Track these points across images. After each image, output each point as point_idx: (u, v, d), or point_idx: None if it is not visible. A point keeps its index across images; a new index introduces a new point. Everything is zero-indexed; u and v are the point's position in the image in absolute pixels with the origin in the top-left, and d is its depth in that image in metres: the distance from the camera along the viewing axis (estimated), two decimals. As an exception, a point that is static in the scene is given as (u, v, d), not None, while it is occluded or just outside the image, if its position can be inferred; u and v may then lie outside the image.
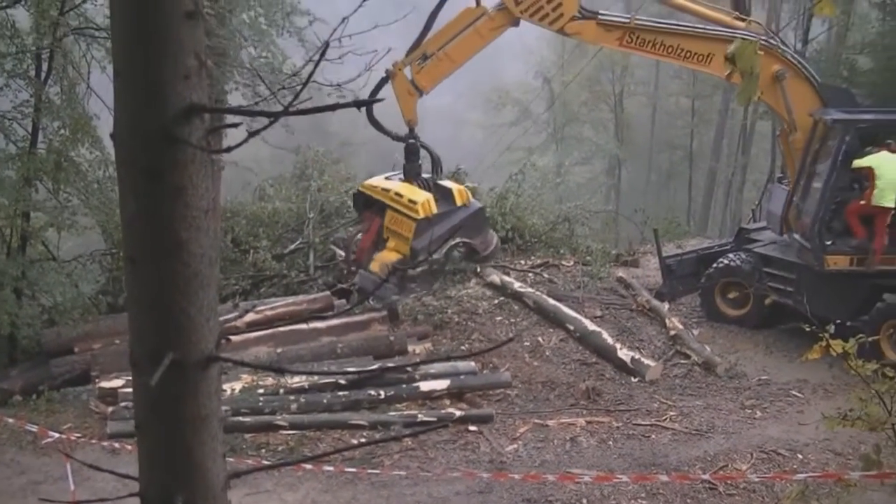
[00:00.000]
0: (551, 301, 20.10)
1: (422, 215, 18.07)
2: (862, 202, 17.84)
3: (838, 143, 18.02)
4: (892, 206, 17.59)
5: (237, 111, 3.24)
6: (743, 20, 19.19)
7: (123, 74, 2.82)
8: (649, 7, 21.92)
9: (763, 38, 18.67)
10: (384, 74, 18.83)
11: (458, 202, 18.91)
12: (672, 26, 19.13)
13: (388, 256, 18.35)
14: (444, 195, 18.90)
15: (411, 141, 19.17)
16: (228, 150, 3.07)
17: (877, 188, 17.50)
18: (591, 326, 19.06)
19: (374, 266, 18.31)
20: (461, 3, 18.91)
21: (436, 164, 19.61)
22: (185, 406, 3.07)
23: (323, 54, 2.68)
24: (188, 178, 2.84)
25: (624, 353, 18.23)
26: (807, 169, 19.08)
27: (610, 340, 18.62)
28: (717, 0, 20.18)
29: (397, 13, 8.58)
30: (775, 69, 18.64)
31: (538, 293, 20.50)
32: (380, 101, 2.71)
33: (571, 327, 19.10)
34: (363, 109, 18.33)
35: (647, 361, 18.08)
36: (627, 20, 19.02)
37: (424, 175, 19.44)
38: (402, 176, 19.36)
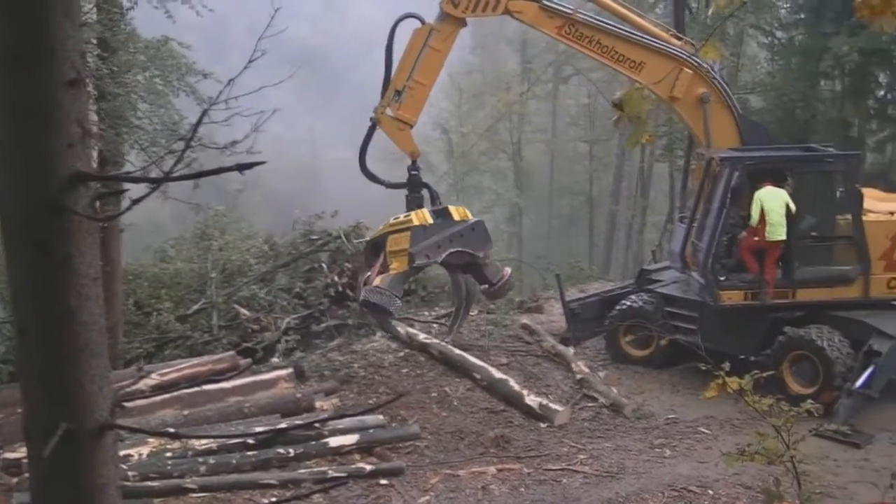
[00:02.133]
0: (457, 351, 20.07)
1: (416, 223, 17.86)
2: (756, 238, 18.16)
3: (727, 181, 18.38)
4: (784, 238, 17.94)
5: (121, 178, 3.24)
6: (679, 38, 19.54)
7: (6, 144, 2.81)
8: (603, 15, 22.13)
9: (695, 58, 19.00)
10: (370, 124, 18.89)
11: (456, 218, 18.70)
12: (612, 27, 19.29)
13: (389, 272, 18.07)
14: (443, 216, 18.71)
15: (414, 172, 19.08)
16: (114, 216, 3.09)
17: (769, 224, 17.83)
18: (497, 374, 19.04)
19: (377, 280, 18.00)
20: (408, 32, 18.96)
21: (434, 197, 19.46)
22: (81, 476, 3.04)
23: (201, 119, 2.69)
24: (75, 246, 2.83)
25: (532, 400, 18.23)
26: (702, 206, 19.43)
27: (517, 387, 18.61)
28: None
29: (290, 71, 8.60)
30: (701, 91, 19.02)
31: (443, 344, 20.48)
32: (262, 163, 2.67)
33: (478, 376, 19.08)
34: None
35: (555, 406, 18.11)
36: (571, 11, 19.17)
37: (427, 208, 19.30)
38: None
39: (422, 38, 18.61)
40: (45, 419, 2.97)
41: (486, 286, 19.29)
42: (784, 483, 7.49)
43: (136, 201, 2.92)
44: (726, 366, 7.19)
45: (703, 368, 7.77)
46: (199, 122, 2.76)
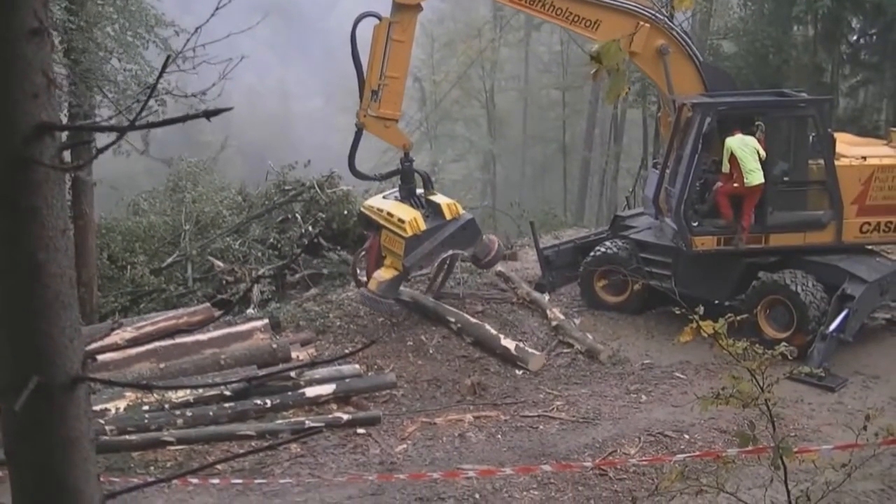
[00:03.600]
0: (431, 299, 20.10)
1: (410, 234, 17.89)
2: (735, 185, 18.13)
3: (699, 127, 18.36)
4: (762, 181, 17.91)
5: (87, 127, 3.20)
6: None
7: (-31, 96, 2.77)
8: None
9: (651, 11, 18.93)
10: (356, 129, 18.81)
11: (448, 216, 18.73)
12: None
13: (384, 274, 18.22)
14: (434, 211, 18.77)
15: (407, 164, 19.08)
16: (80, 166, 3.06)
17: (747, 171, 17.80)
18: (473, 320, 19.09)
19: (372, 285, 18.22)
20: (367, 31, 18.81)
21: (426, 182, 19.49)
22: (54, 429, 3.02)
23: (166, 64, 2.66)
24: (42, 198, 2.80)
25: (508, 342, 18.28)
26: (674, 153, 19.44)
27: (493, 331, 18.66)
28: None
29: (260, 21, 8.55)
30: (659, 44, 18.96)
31: (418, 292, 20.49)
32: (229, 109, 2.64)
33: (453, 319, 19.09)
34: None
35: (531, 350, 18.18)
36: None
37: (418, 190, 19.28)
38: (398, 195, 19.22)
39: (383, 34, 18.50)
40: (17, 373, 2.95)
41: (476, 260, 19.55)
42: (759, 426, 7.53)
43: (100, 150, 2.89)
44: (700, 310, 7.19)
45: (678, 313, 7.77)
46: (164, 68, 2.72)
